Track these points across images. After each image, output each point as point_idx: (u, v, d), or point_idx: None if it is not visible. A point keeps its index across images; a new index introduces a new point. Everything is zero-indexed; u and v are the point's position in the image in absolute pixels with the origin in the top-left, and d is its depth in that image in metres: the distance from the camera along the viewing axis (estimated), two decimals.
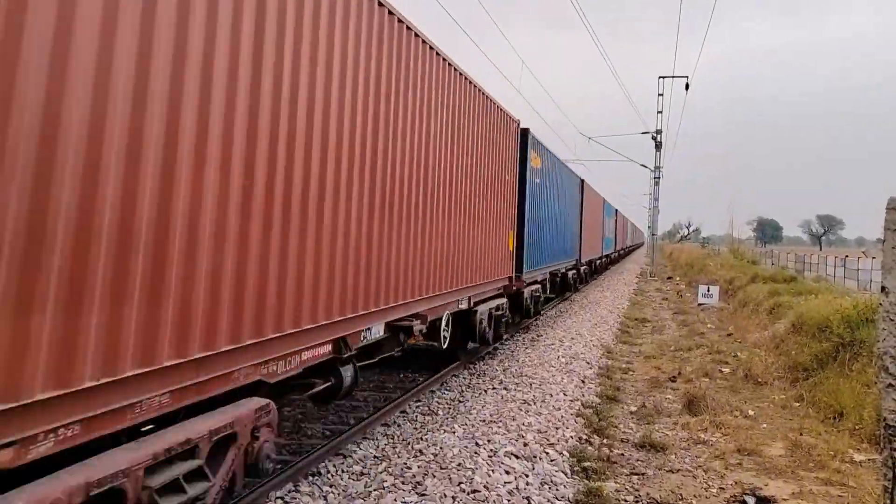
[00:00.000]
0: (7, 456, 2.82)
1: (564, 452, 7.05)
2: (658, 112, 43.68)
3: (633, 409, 9.35)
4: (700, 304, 22.20)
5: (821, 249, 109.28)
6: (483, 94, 9.95)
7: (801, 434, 8.02)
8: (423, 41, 7.43)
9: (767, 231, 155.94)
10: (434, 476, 6.04)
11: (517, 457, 6.72)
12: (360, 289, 6.03)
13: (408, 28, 6.96)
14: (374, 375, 9.85)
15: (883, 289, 3.46)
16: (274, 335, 4.71)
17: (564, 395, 9.45)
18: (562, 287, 21.20)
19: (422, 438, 7.18)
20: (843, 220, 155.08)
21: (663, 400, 9.83)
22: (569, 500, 5.87)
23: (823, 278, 29.96)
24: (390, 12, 6.54)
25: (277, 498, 5.47)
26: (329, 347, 5.69)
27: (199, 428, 3.96)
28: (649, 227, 52.37)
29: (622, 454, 7.35)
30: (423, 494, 5.63)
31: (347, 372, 6.09)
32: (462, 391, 9.48)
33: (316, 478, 5.98)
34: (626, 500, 6.05)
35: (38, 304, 2.91)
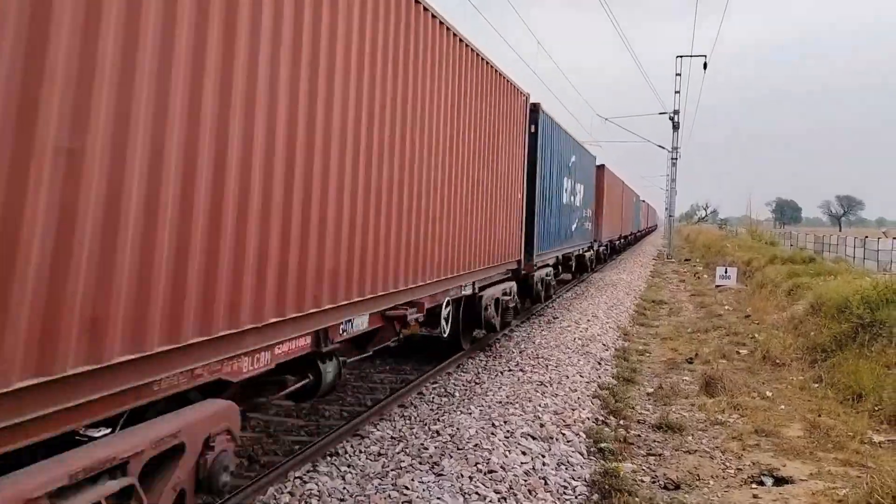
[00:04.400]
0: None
1: (581, 433, 7.06)
2: (675, 92, 43.23)
3: (650, 390, 9.34)
4: (718, 286, 22.05)
5: (840, 230, 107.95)
6: (489, 64, 9.26)
7: (819, 415, 7.98)
8: (431, 13, 7.06)
9: (786, 212, 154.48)
10: (451, 456, 6.07)
11: (534, 438, 6.74)
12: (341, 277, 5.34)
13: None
14: (389, 358, 9.89)
15: None
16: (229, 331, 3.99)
17: (581, 376, 9.45)
18: (577, 269, 21.12)
19: (438, 420, 7.22)
20: (862, 201, 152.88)
21: (680, 381, 9.81)
22: (585, 481, 5.89)
23: (843, 259, 29.63)
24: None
25: (296, 478, 5.52)
26: (307, 340, 5.06)
27: (131, 441, 3.21)
28: (666, 208, 51.99)
29: (639, 435, 7.35)
30: (440, 475, 5.66)
31: (329, 367, 5.54)
32: (478, 373, 9.51)
33: (334, 458, 6.03)
34: (643, 481, 6.06)
35: None
